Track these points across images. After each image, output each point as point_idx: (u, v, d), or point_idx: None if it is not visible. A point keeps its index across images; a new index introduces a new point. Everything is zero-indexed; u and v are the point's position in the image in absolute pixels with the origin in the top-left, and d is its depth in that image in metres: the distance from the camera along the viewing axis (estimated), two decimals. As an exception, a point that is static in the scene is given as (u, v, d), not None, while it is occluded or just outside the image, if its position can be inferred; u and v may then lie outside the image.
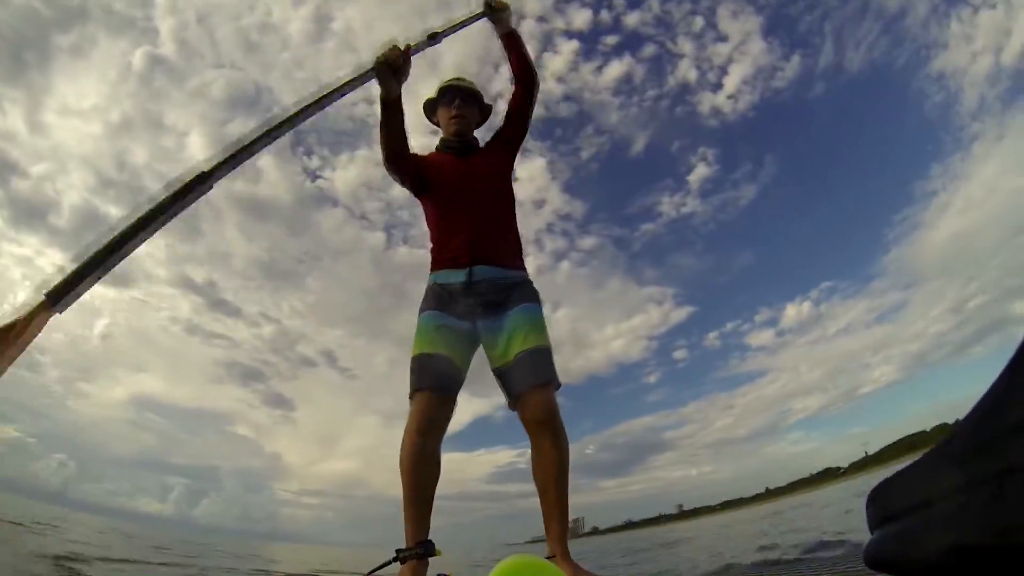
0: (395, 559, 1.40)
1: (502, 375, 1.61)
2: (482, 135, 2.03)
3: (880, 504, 0.55)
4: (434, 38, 1.61)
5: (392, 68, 1.50)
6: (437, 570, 1.43)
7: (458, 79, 1.95)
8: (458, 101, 1.91)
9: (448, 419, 1.56)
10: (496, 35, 1.90)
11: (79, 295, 0.84)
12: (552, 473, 1.49)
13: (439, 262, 1.75)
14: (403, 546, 1.44)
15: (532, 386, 1.53)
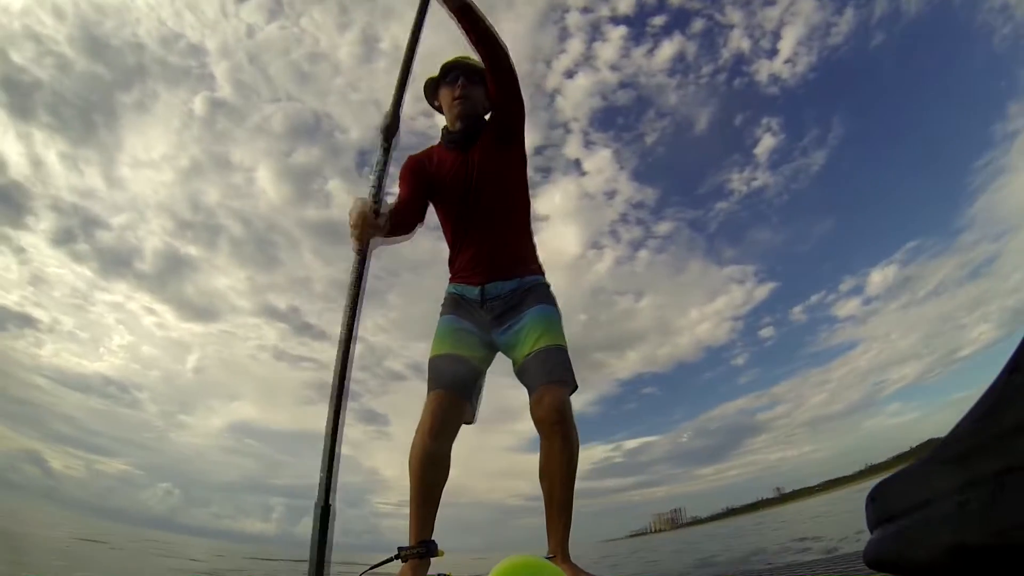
0: (396, 557, 1.39)
1: (518, 375, 1.58)
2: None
3: (880, 504, 0.55)
4: (393, 123, 1.47)
5: (369, 236, 1.43)
6: (438, 570, 1.42)
7: (464, 57, 1.78)
8: (462, 80, 1.74)
9: (461, 420, 1.54)
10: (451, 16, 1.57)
11: None
12: (559, 476, 1.44)
13: (454, 275, 1.74)
14: (409, 545, 1.43)
15: (542, 384, 1.48)
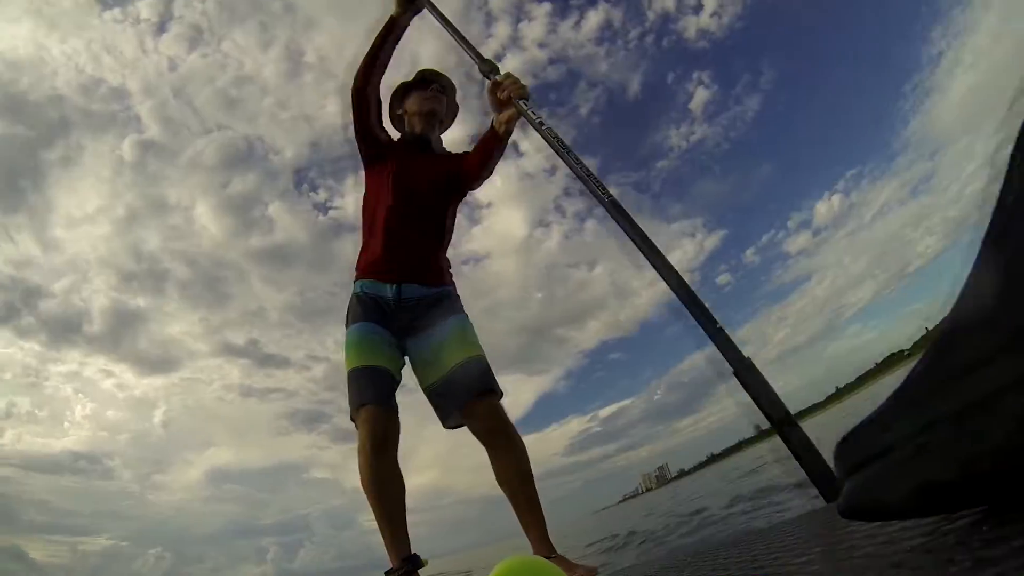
0: None
1: (437, 390, 1.57)
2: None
3: (846, 455, 0.55)
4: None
5: None
6: None
7: (438, 71, 1.89)
8: (436, 86, 1.88)
9: (399, 430, 1.50)
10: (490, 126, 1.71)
11: None
12: (518, 478, 1.48)
13: (367, 270, 1.67)
14: (393, 566, 1.41)
15: (478, 394, 1.51)
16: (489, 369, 1.58)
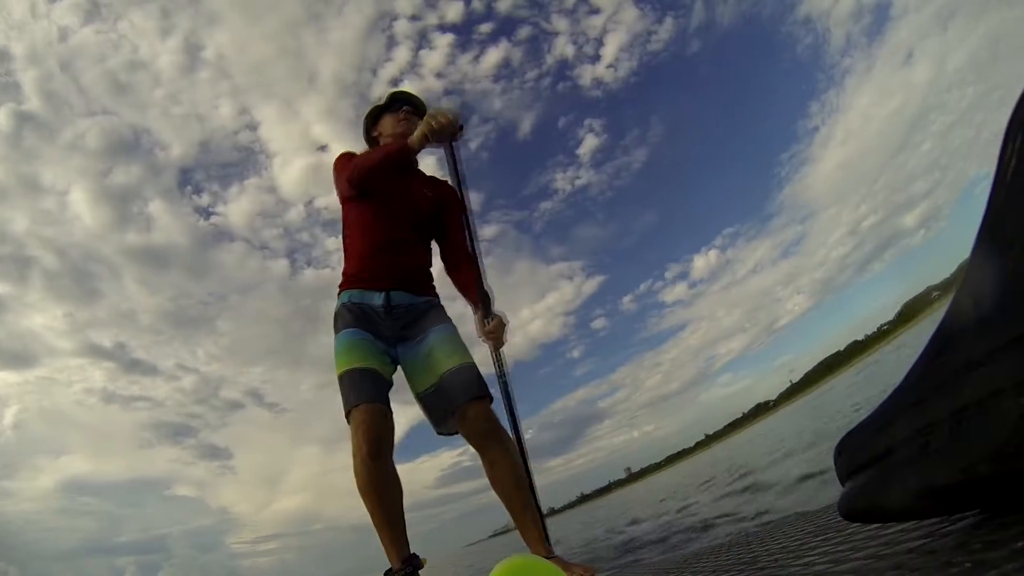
0: None
1: (430, 395, 1.59)
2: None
3: (846, 457, 0.54)
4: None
5: (450, 135, 1.64)
6: None
7: (410, 92, 1.91)
8: (407, 107, 1.88)
9: (394, 430, 1.51)
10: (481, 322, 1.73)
11: None
12: (512, 480, 1.49)
13: (356, 280, 1.68)
14: (393, 568, 1.41)
15: (471, 399, 1.52)
16: (481, 375, 1.60)
